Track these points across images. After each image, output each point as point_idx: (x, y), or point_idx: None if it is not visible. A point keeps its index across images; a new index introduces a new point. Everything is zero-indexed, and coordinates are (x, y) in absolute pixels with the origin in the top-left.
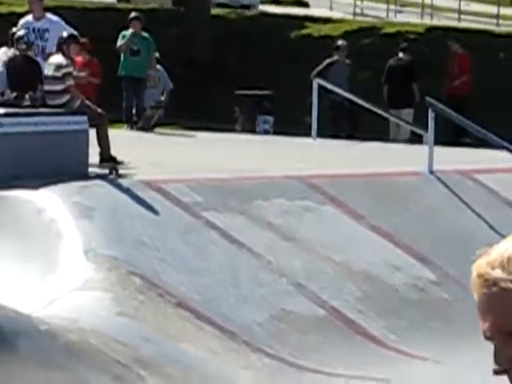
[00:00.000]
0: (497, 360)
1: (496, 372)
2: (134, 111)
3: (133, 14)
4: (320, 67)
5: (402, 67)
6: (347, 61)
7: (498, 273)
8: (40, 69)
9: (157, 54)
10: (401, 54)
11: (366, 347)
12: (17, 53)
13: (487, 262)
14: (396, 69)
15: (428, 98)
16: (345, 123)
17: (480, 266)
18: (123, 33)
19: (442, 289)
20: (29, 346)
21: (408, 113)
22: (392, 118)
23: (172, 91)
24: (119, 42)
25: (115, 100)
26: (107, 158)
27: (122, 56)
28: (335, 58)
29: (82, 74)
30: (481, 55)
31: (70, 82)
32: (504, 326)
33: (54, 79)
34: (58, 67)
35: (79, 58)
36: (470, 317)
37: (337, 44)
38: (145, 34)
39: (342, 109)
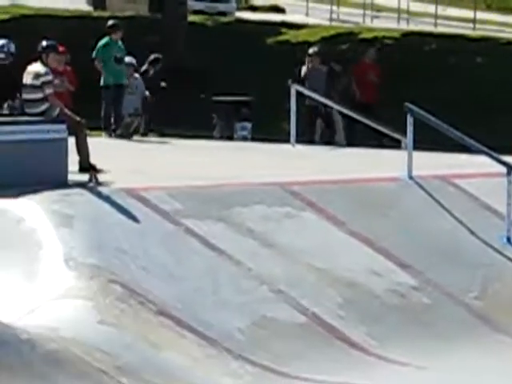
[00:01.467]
0: None
1: None
2: (112, 119)
3: (112, 22)
4: (298, 72)
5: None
6: (323, 67)
7: None
8: (15, 77)
9: (133, 61)
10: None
11: (348, 353)
12: None
13: None
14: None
15: (406, 104)
16: (322, 128)
17: None
18: (104, 40)
19: (423, 294)
20: (9, 355)
21: None
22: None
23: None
24: (98, 52)
25: (91, 108)
26: (87, 166)
27: (103, 64)
28: (311, 63)
29: (56, 81)
30: (458, 59)
31: (50, 90)
32: None
33: (33, 88)
34: (37, 76)
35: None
36: (451, 321)
37: (308, 52)
38: (119, 42)
39: (318, 114)
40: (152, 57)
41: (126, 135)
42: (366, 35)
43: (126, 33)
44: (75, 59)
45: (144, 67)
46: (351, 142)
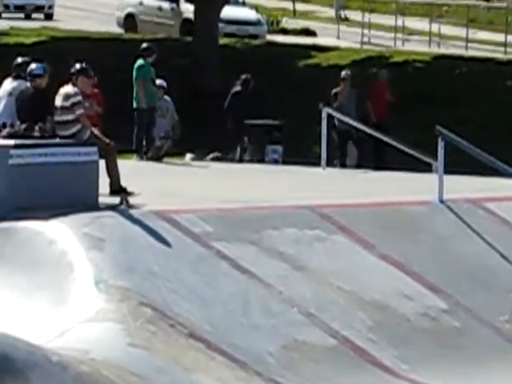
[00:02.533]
0: None
1: None
2: (144, 141)
3: (147, 45)
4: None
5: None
6: (354, 90)
7: None
8: (49, 99)
9: (164, 83)
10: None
11: (378, 376)
12: (27, 84)
13: None
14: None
15: (438, 127)
16: (353, 152)
17: None
18: (140, 62)
19: (453, 317)
20: (41, 377)
21: None
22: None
23: (180, 121)
24: (137, 74)
25: (122, 130)
26: (117, 189)
27: (140, 87)
28: (342, 87)
29: (86, 104)
30: (489, 82)
31: (80, 110)
32: None
33: (63, 109)
34: (67, 97)
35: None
36: (481, 345)
37: (341, 75)
38: None
39: (349, 137)
40: (243, 77)
41: (157, 158)
42: (397, 58)
43: (157, 55)
44: (107, 81)
45: (237, 88)
46: (381, 165)
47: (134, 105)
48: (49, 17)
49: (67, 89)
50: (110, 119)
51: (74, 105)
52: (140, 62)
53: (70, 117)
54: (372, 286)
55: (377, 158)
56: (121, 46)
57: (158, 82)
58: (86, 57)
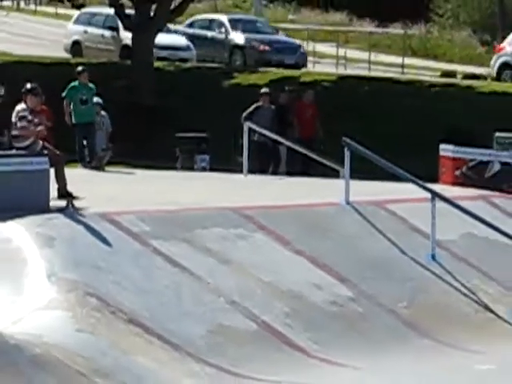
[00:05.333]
0: None
1: None
2: (86, 152)
3: (80, 67)
4: (248, 110)
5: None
6: (271, 106)
7: None
8: (6, 116)
9: (100, 101)
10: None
11: (294, 356)
12: None
13: None
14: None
15: (344, 138)
16: (269, 161)
17: None
18: (72, 83)
19: (358, 304)
20: (0, 358)
21: None
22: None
23: (119, 133)
24: (67, 94)
25: (67, 143)
26: (64, 194)
27: (71, 105)
28: (260, 103)
29: (36, 120)
30: (388, 100)
31: (22, 123)
32: None
33: (15, 124)
34: (17, 113)
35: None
36: (383, 328)
37: (261, 91)
38: (90, 85)
39: (265, 148)
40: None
41: (100, 167)
42: (306, 78)
43: (100, 77)
44: (56, 99)
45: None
46: (294, 172)
47: (72, 120)
48: None
49: (19, 106)
50: (59, 132)
51: (20, 119)
52: (73, 83)
53: (22, 132)
54: (288, 277)
55: (303, 167)
56: (68, 69)
57: (95, 99)
58: (37, 79)
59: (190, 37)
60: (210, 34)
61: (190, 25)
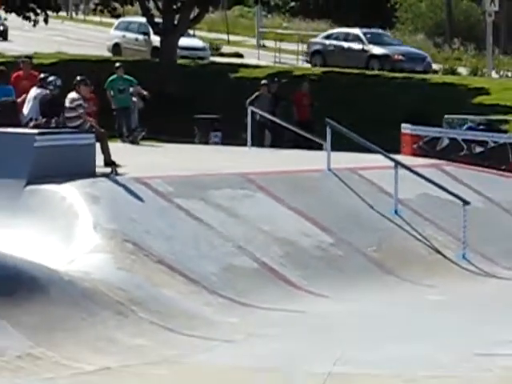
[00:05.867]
0: None
1: None
2: (124, 130)
3: (117, 64)
4: (251, 97)
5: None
6: (269, 94)
7: None
8: (61, 102)
9: (138, 87)
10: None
11: (287, 289)
12: (48, 91)
13: None
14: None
15: (327, 119)
16: (268, 137)
17: None
18: (111, 77)
19: (338, 248)
20: (57, 292)
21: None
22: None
23: (149, 116)
24: (107, 84)
25: (109, 122)
26: (109, 162)
27: (112, 93)
28: (260, 91)
29: (86, 104)
30: (360, 89)
31: (81, 110)
32: None
33: (70, 109)
34: (72, 100)
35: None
36: (357, 267)
37: (261, 82)
38: (126, 76)
39: (266, 127)
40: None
41: (135, 142)
42: (297, 73)
43: (134, 71)
44: (100, 89)
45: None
46: (281, 145)
47: (112, 106)
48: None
49: (72, 94)
50: (103, 115)
51: (77, 106)
52: (112, 76)
53: (74, 114)
54: (282, 227)
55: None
56: (110, 66)
57: (131, 89)
58: (86, 72)
59: (327, 46)
60: (346, 44)
61: (327, 37)
